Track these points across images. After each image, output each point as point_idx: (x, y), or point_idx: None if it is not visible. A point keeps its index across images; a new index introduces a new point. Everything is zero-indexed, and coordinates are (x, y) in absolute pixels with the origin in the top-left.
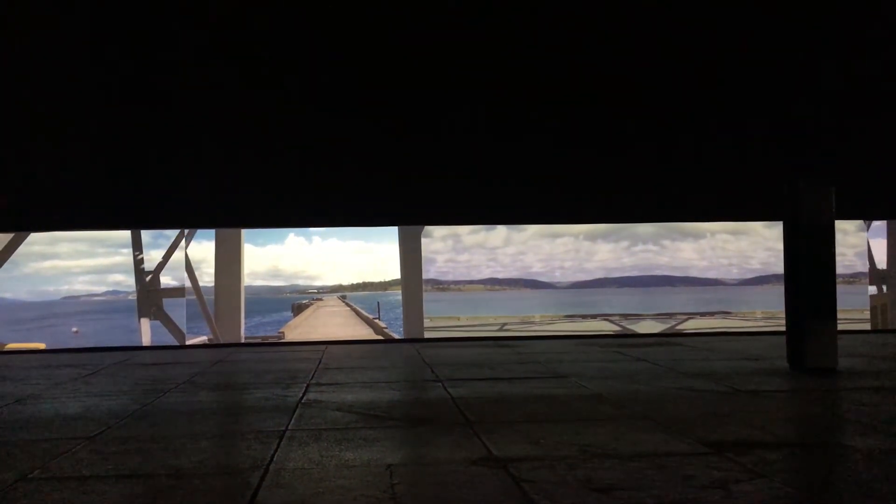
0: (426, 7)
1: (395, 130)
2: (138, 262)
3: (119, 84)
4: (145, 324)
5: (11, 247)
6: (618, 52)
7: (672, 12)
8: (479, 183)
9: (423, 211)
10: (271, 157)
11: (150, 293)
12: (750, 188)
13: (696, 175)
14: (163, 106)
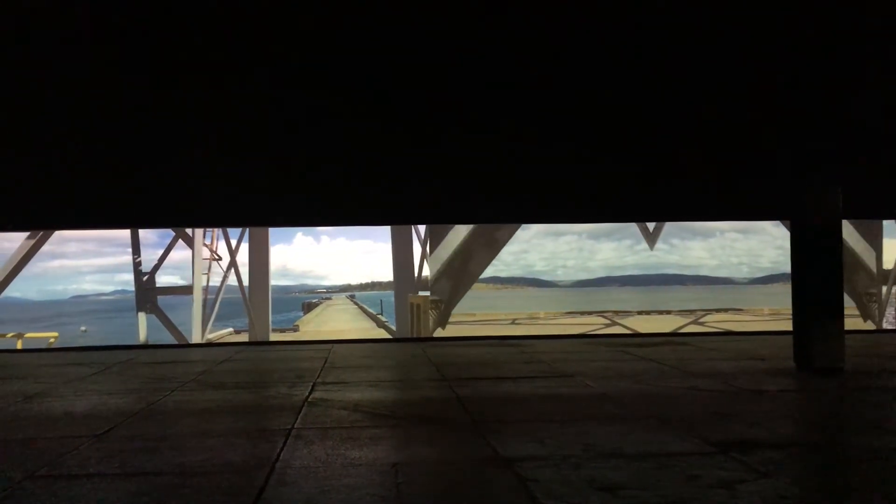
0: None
1: (399, 131)
2: (137, 264)
3: (123, 84)
4: (142, 318)
5: (32, 251)
6: (616, 50)
7: (673, 13)
8: (482, 180)
9: (423, 210)
10: (276, 157)
11: (146, 292)
12: (757, 187)
13: (703, 174)
14: (168, 107)
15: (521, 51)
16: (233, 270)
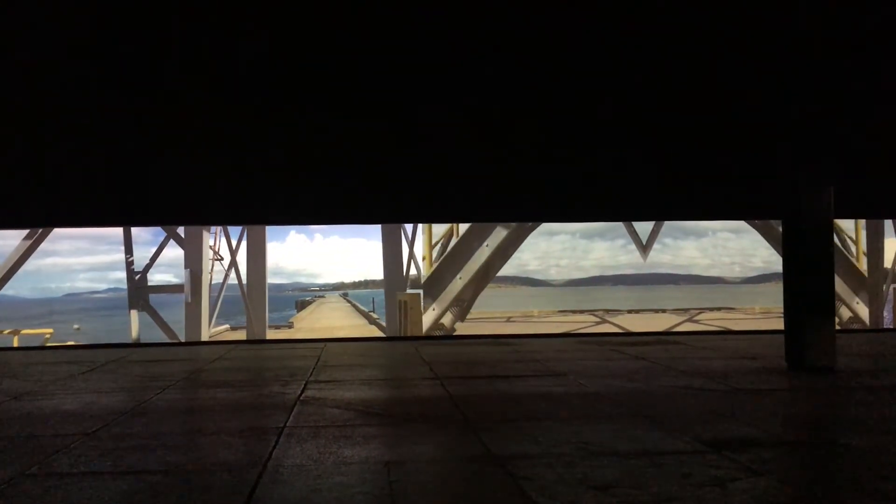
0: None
1: (399, 131)
2: (129, 263)
3: (119, 81)
4: (134, 315)
5: (30, 251)
6: (615, 50)
7: (673, 13)
8: (480, 180)
9: (416, 208)
10: (267, 153)
11: (138, 290)
12: (750, 187)
13: (697, 173)
14: (162, 103)
15: (520, 51)
16: (233, 269)
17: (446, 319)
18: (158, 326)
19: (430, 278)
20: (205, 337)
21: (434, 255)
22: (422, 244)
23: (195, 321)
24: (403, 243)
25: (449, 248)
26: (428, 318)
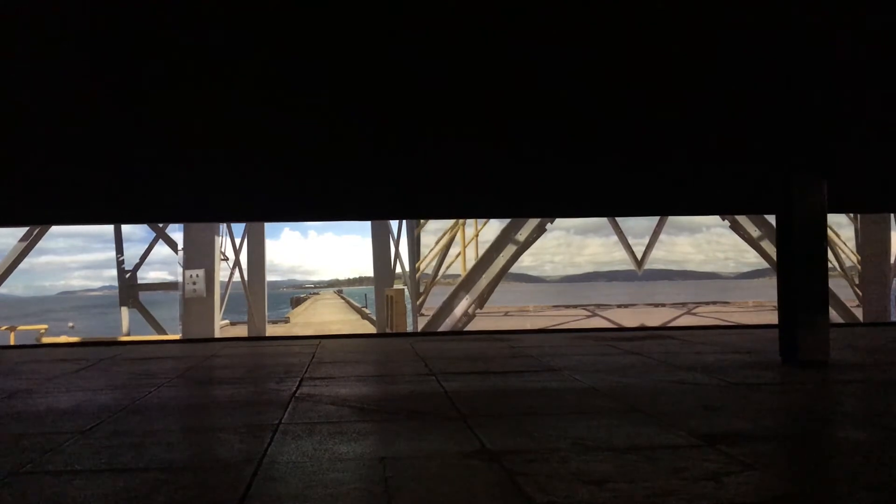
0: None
1: (394, 129)
2: (120, 262)
3: (109, 79)
4: (125, 312)
5: (26, 252)
6: (602, 42)
7: (664, 9)
8: (467, 178)
9: (415, 204)
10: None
11: (129, 288)
12: (742, 181)
13: (688, 167)
14: (166, 104)
15: (519, 49)
16: (237, 268)
17: (470, 308)
18: (149, 324)
19: (465, 279)
20: (217, 331)
21: (435, 254)
22: (468, 241)
23: (208, 317)
24: (403, 240)
25: (478, 257)
26: (462, 306)
